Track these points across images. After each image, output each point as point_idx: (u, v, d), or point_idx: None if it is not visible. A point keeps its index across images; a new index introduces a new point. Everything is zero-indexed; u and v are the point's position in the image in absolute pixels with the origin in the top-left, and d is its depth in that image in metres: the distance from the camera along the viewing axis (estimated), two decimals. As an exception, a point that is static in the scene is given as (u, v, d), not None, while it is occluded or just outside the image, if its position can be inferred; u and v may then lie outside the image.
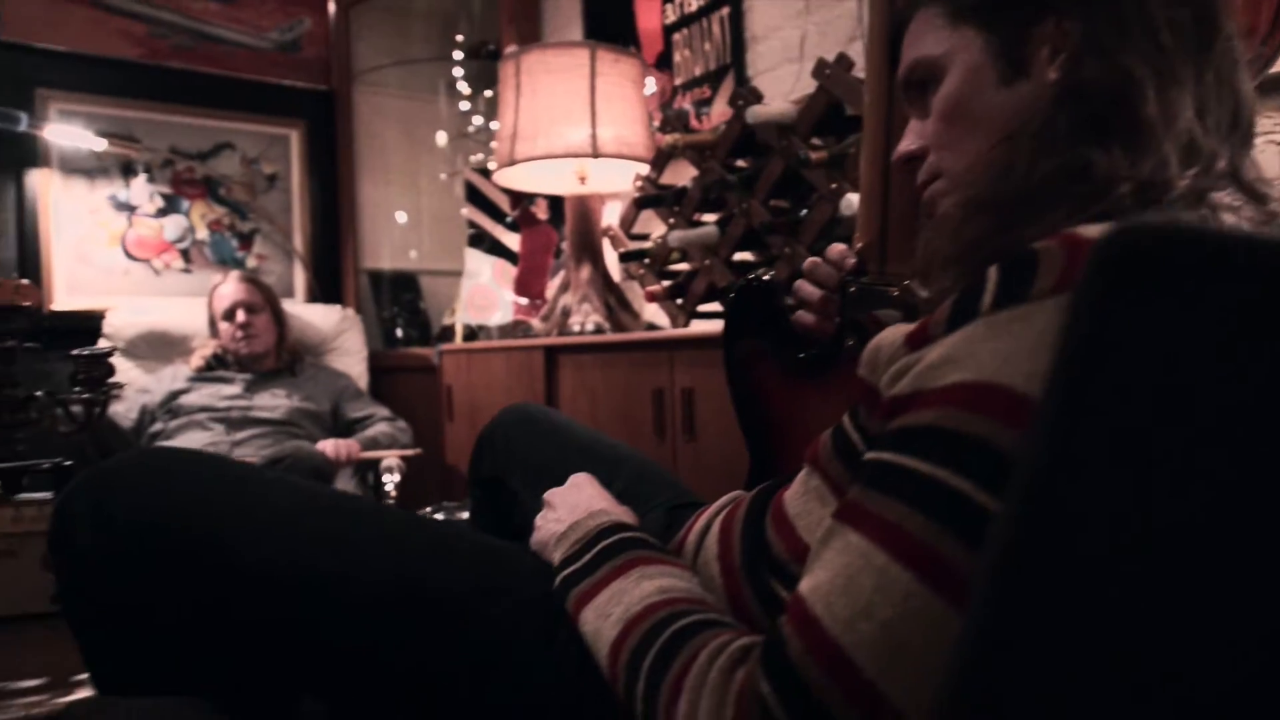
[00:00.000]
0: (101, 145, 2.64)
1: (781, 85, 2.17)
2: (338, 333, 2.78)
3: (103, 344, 2.51)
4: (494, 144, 3.10)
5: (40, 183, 2.67)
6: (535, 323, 2.30)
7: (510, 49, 2.92)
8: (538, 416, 1.24)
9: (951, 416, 0.48)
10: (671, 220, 1.99)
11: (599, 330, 2.11)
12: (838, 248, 0.90)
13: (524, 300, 2.51)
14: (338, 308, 2.87)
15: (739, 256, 1.89)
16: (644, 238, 2.25)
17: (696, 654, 0.54)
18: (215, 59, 2.96)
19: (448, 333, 3.15)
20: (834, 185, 1.62)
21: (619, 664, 0.59)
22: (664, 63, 2.55)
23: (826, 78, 1.63)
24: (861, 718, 0.45)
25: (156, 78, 2.86)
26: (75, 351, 1.17)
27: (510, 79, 2.16)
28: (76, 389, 1.15)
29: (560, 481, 0.91)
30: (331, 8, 3.15)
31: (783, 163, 1.73)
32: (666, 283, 2.02)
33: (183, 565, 0.71)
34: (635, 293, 2.45)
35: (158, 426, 2.29)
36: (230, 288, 2.47)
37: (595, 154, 2.08)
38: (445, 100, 3.30)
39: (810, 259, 0.91)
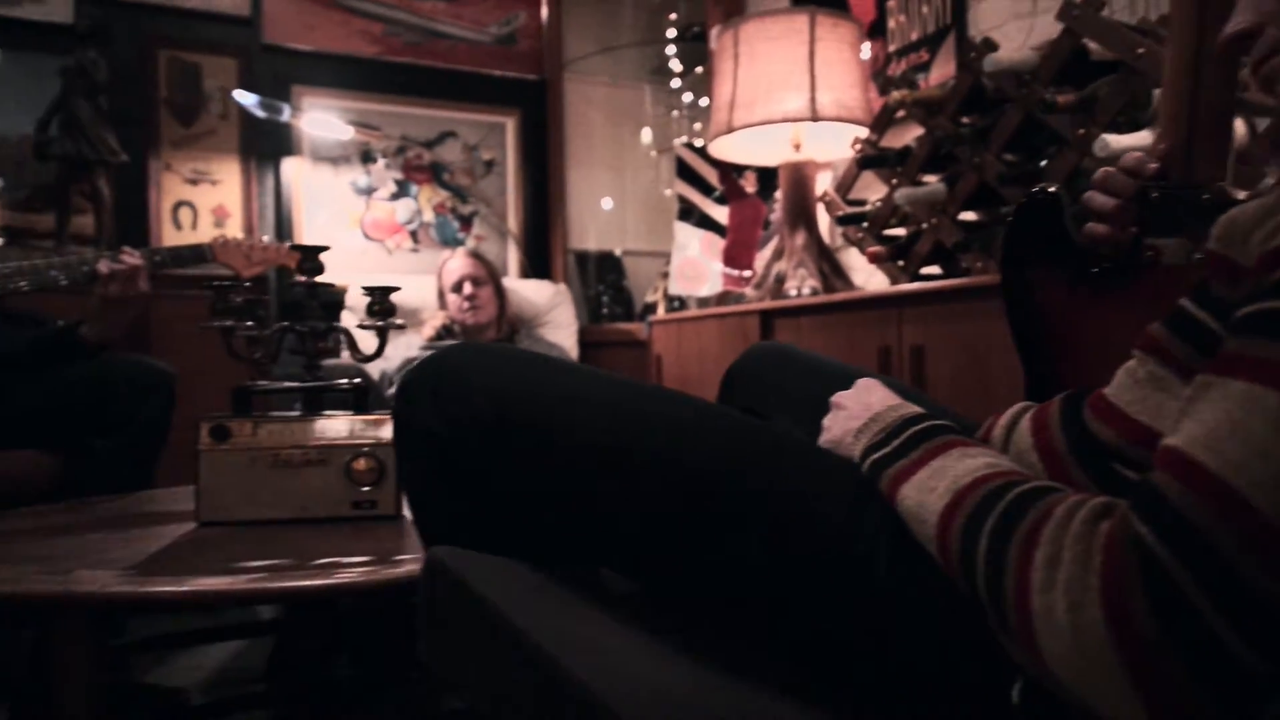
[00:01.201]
0: (349, 133, 2.90)
1: (1009, 42, 2.08)
2: (550, 306, 2.91)
3: (348, 315, 2.74)
4: (696, 125, 3.16)
5: (294, 170, 2.95)
6: (748, 292, 2.32)
7: (715, 27, 2.96)
8: (788, 350, 1.26)
9: None
10: (894, 180, 1.97)
11: (814, 294, 2.11)
12: (1134, 155, 0.86)
13: (733, 271, 2.54)
14: (549, 283, 3.01)
15: (963, 215, 1.84)
16: (859, 203, 2.23)
17: (1050, 510, 0.54)
18: (440, 53, 3.17)
19: (650, 309, 3.24)
20: (1081, 131, 1.55)
21: (951, 531, 0.60)
22: (875, 31, 2.51)
23: (1074, 19, 1.56)
24: (1262, 560, 0.43)
25: (390, 72, 3.10)
26: (366, 285, 1.30)
27: (728, 49, 2.20)
28: (370, 318, 1.28)
29: (822, 408, 0.92)
30: (544, 1, 3.30)
31: (1021, 112, 1.67)
32: (887, 246, 1.99)
33: (511, 442, 0.77)
34: (847, 259, 2.42)
35: (394, 390, 2.47)
36: (458, 263, 2.64)
37: (814, 118, 2.08)
38: (650, 85, 3.39)
39: (1102, 169, 0.88)
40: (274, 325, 1.27)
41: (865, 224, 2.06)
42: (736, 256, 2.56)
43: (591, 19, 3.30)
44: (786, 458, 0.76)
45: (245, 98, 2.69)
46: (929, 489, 0.64)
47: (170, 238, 2.78)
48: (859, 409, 0.81)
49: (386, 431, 1.22)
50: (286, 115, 2.74)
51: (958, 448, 0.67)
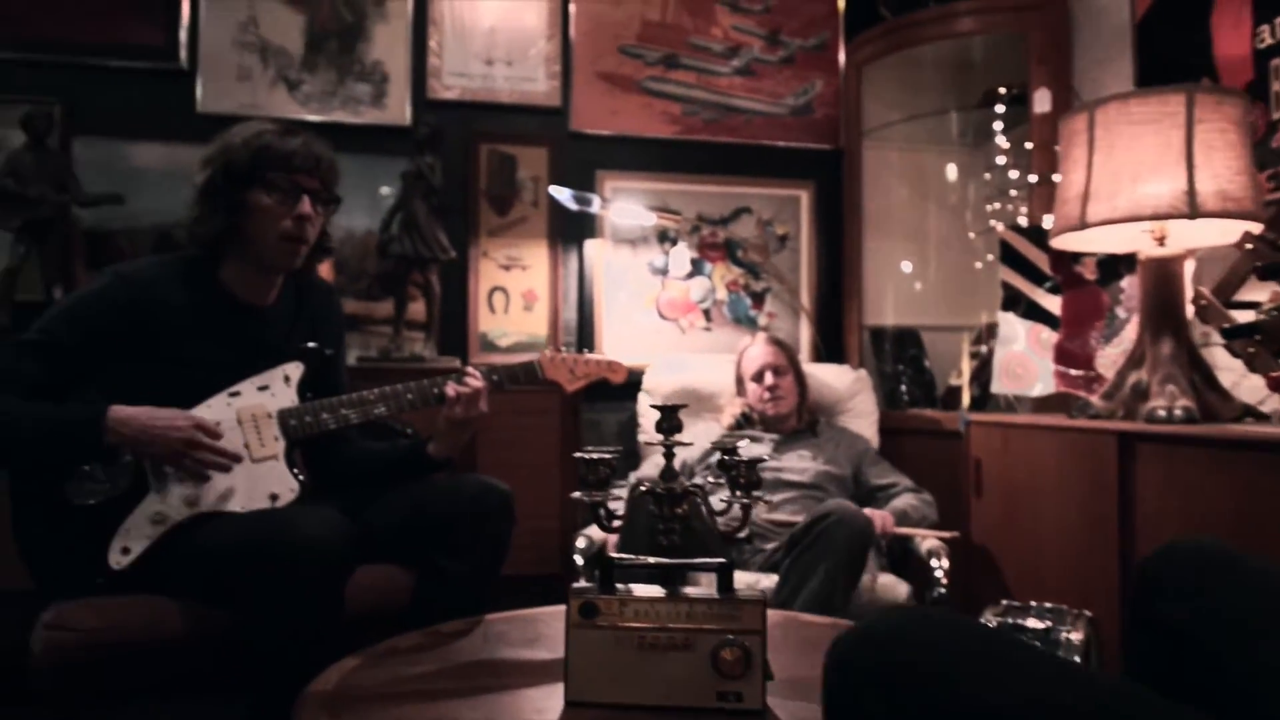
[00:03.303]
0: (652, 220, 2.94)
1: None
2: (851, 394, 2.77)
3: (644, 397, 2.75)
4: (1015, 190, 2.89)
5: (595, 252, 3.03)
6: (1094, 401, 2.06)
7: (1039, 90, 2.71)
8: (1219, 553, 1.04)
9: None
10: (1303, 291, 1.65)
11: (1190, 418, 1.81)
12: None
13: (1069, 371, 2.27)
14: (848, 368, 2.87)
15: None
16: (1240, 306, 1.91)
17: None
18: (736, 129, 3.14)
19: (953, 394, 3.00)
20: None
21: None
22: (1251, 93, 2.16)
23: None
24: None
25: (688, 151, 3.11)
26: (730, 457, 1.23)
27: (1079, 133, 1.97)
28: (734, 491, 1.21)
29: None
30: (842, 68, 3.19)
31: None
32: (1292, 365, 1.67)
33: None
34: (1210, 355, 2.08)
35: (697, 481, 2.43)
36: (759, 350, 2.57)
37: (1193, 214, 1.80)
38: (957, 151, 3.18)
39: None
40: (636, 490, 1.24)
41: (1258, 336, 1.74)
42: (1072, 354, 2.29)
43: (892, 82, 3.14)
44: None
45: (560, 193, 2.79)
46: None
47: (485, 321, 2.94)
48: None
49: (753, 617, 1.14)
50: (596, 207, 2.82)
51: None
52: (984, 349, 2.94)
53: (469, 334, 2.92)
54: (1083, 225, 1.92)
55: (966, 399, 2.87)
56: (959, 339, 3.10)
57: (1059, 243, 2.07)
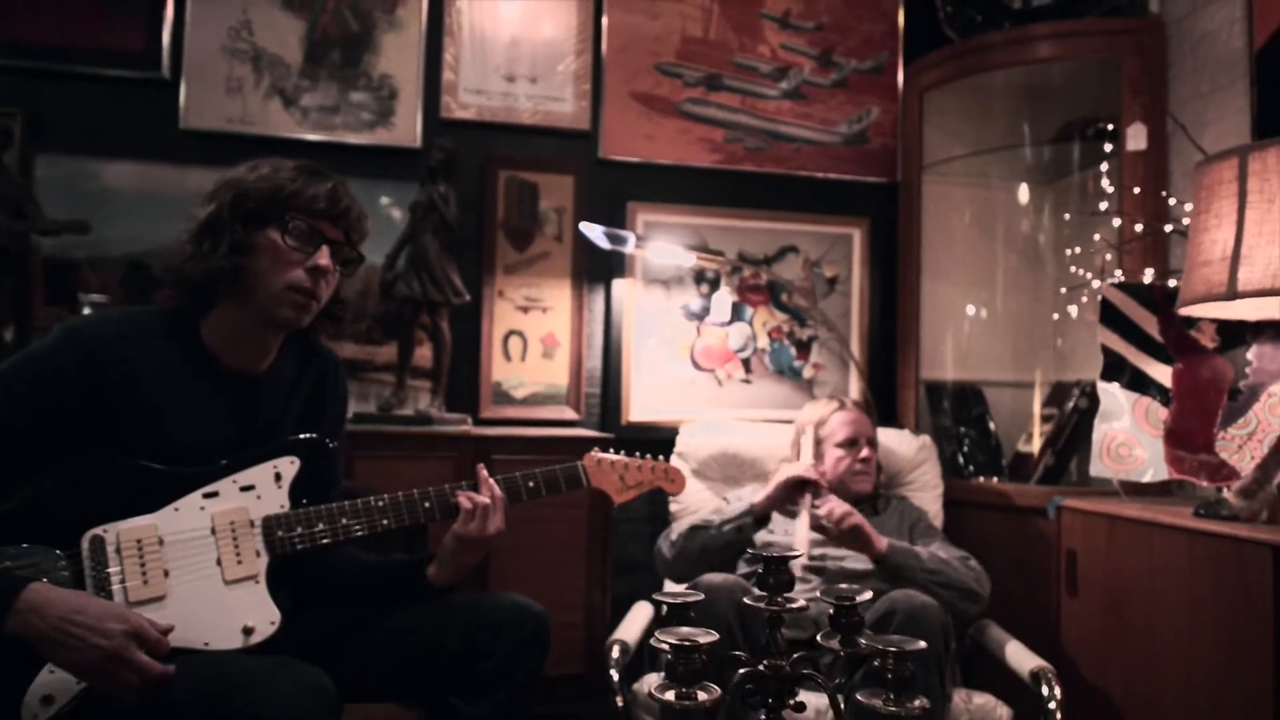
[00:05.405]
0: (691, 260, 2.62)
1: None
2: (914, 464, 2.44)
3: (677, 459, 2.42)
4: (1097, 234, 2.58)
5: (624, 293, 2.71)
6: (1230, 498, 1.74)
7: (1133, 125, 2.40)
8: None
9: None
10: None
11: (1368, 533, 1.50)
12: None
13: (1184, 455, 1.95)
14: (908, 433, 2.55)
15: None
16: None
17: None
18: (783, 159, 2.83)
19: (1022, 462, 2.68)
20: None
21: None
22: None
23: None
24: None
25: (729, 183, 2.80)
26: (887, 652, 0.89)
27: (1226, 184, 1.65)
28: (880, 690, 0.88)
29: None
30: (901, 94, 2.88)
31: None
32: None
33: None
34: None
35: (744, 571, 2.09)
36: (850, 415, 2.21)
37: (1379, 287, 1.49)
38: (1030, 188, 2.87)
39: None
40: (735, 679, 0.91)
41: None
42: (1188, 435, 1.97)
43: (958, 111, 2.83)
44: None
45: (591, 230, 2.47)
46: None
47: (499, 369, 2.61)
48: None
49: None
50: (631, 246, 2.50)
51: None
52: (1057, 410, 2.62)
53: (481, 384, 2.59)
54: (1233, 295, 1.61)
55: (1039, 469, 2.54)
56: (1029, 397, 2.78)
57: (1197, 310, 1.76)
